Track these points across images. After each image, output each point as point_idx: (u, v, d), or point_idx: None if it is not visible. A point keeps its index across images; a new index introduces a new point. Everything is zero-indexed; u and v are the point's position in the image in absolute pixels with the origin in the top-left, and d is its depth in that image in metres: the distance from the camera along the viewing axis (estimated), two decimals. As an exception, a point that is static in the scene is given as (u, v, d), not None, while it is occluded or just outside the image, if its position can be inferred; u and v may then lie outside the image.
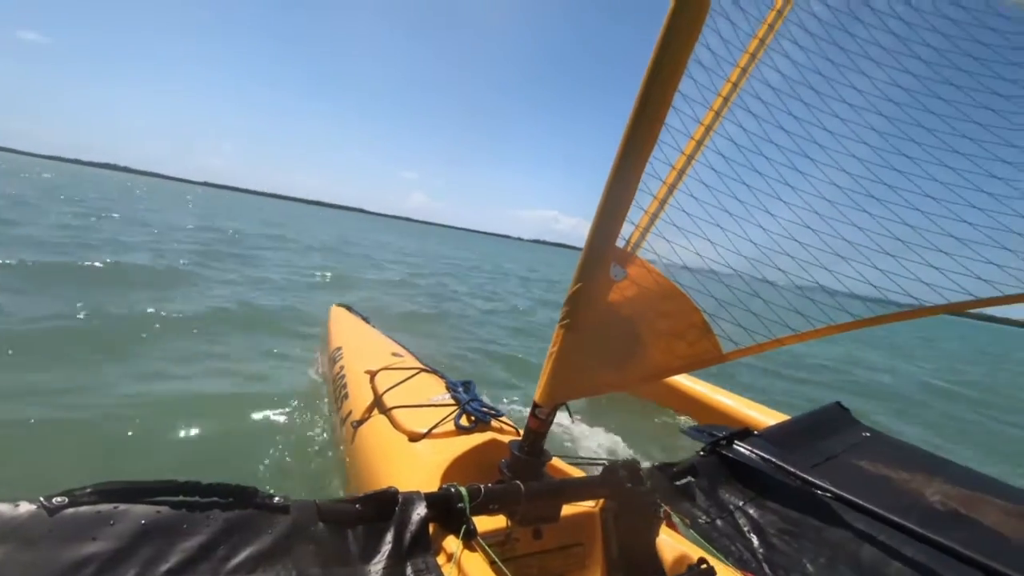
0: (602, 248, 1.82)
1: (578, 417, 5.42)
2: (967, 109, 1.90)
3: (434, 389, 3.29)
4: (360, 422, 3.05)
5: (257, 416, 4.67)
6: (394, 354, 4.30)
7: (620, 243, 1.87)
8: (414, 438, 2.62)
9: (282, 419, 4.65)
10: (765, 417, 4.67)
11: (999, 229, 1.79)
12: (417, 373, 3.53)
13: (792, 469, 2.35)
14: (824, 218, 1.92)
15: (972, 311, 1.83)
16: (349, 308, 6.45)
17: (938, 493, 2.30)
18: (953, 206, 1.89)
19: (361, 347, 4.59)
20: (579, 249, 1.94)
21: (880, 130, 1.95)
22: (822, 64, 1.96)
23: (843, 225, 1.90)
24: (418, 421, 2.76)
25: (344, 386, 3.73)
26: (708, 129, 1.92)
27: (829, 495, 2.20)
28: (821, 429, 2.92)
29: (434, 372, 3.67)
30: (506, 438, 2.57)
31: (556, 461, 2.34)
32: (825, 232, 1.91)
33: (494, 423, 2.77)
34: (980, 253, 1.79)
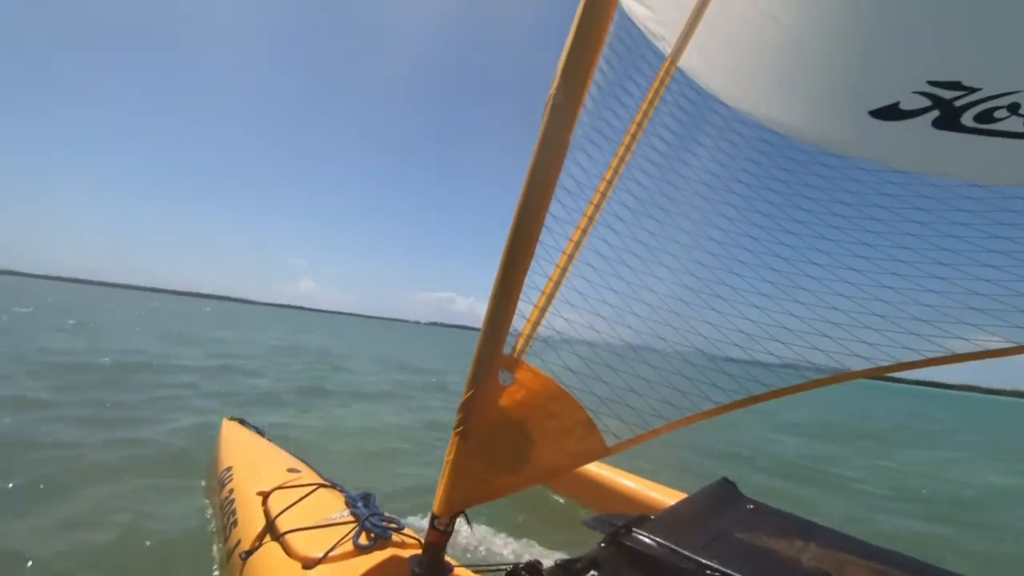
0: (490, 356, 1.94)
1: (481, 520, 5.29)
2: (781, 222, 2.30)
3: (333, 506, 3.11)
4: (249, 552, 2.79)
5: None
6: (291, 470, 4.02)
7: (507, 350, 2.00)
8: (308, 564, 2.45)
9: None
10: (665, 497, 4.84)
11: (818, 320, 2.13)
12: (315, 489, 3.33)
13: (685, 552, 2.47)
14: (682, 317, 2.18)
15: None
16: (242, 421, 5.97)
17: (812, 558, 2.51)
18: (783, 302, 2.24)
19: (254, 465, 4.24)
20: (477, 329, 2.05)
21: (718, 240, 2.29)
22: (666, 187, 2.30)
23: (697, 322, 2.17)
24: (314, 544, 2.59)
25: (233, 512, 3.41)
26: (577, 245, 2.16)
27: (718, 574, 2.33)
28: (711, 507, 3.11)
29: (334, 486, 3.48)
30: (408, 552, 2.48)
31: (459, 571, 2.29)
32: (684, 328, 2.17)
33: (395, 537, 2.66)
34: (809, 341, 2.11)
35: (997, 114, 2.14)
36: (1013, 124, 2.10)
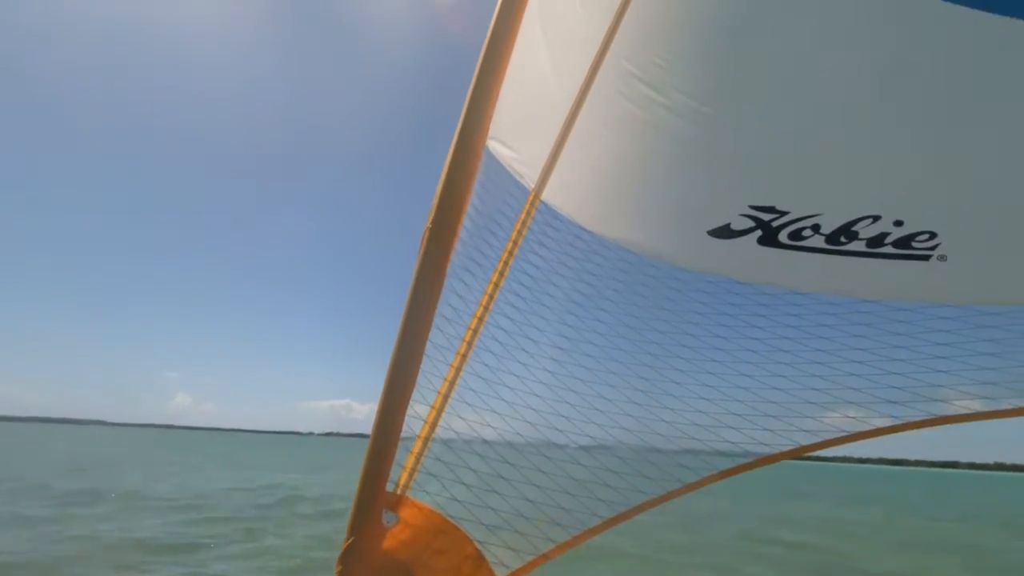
0: (371, 497, 1.88)
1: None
2: (645, 333, 2.52)
3: None
4: None
5: None
6: None
7: (390, 486, 1.96)
8: None
9: None
10: None
11: (687, 424, 2.29)
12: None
13: None
14: (563, 432, 2.26)
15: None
16: None
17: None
18: (654, 408, 2.40)
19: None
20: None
21: (591, 355, 2.45)
22: (538, 308, 2.47)
23: (577, 436, 2.25)
24: None
25: None
26: (458, 371, 2.22)
27: None
28: None
29: None
30: None
31: None
32: (566, 444, 2.24)
33: None
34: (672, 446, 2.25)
35: (804, 233, 2.56)
36: (817, 241, 2.51)
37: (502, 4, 2.87)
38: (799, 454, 2.13)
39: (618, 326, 2.51)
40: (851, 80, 2.70)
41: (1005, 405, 1.89)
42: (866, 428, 2.04)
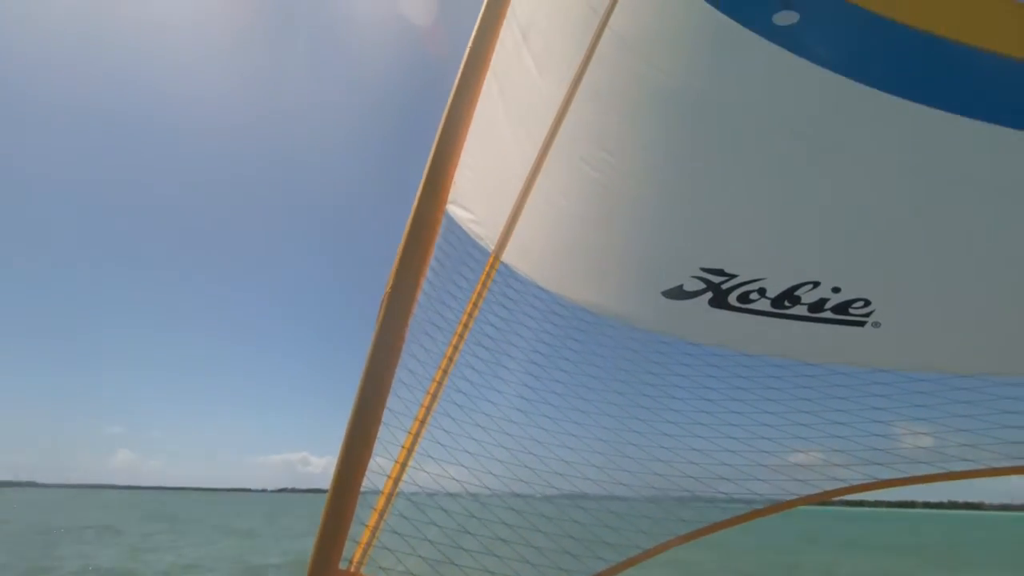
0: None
1: None
2: (603, 394, 2.56)
3: None
4: None
5: None
6: None
7: (343, 564, 1.90)
8: None
9: None
10: None
11: (643, 487, 2.32)
12: None
13: None
14: (523, 499, 2.25)
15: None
16: None
17: None
18: (617, 458, 2.42)
19: None
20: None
21: (550, 416, 2.47)
22: (498, 368, 2.49)
23: (538, 501, 2.25)
24: None
25: None
26: (416, 436, 2.20)
27: None
28: None
29: None
30: None
31: None
32: (526, 511, 2.23)
33: None
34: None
35: (752, 296, 2.68)
36: (763, 305, 2.64)
37: (464, 69, 2.98)
38: (752, 519, 2.18)
39: (577, 386, 2.55)
40: (790, 157, 2.91)
41: (935, 470, 2.00)
42: (813, 491, 2.11)
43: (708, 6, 3.67)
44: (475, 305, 2.58)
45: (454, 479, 2.16)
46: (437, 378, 2.35)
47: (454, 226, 2.68)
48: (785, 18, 3.53)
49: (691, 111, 3.18)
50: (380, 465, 2.06)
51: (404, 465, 2.15)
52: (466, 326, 2.51)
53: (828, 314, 2.52)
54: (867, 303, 2.47)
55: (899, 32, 3.28)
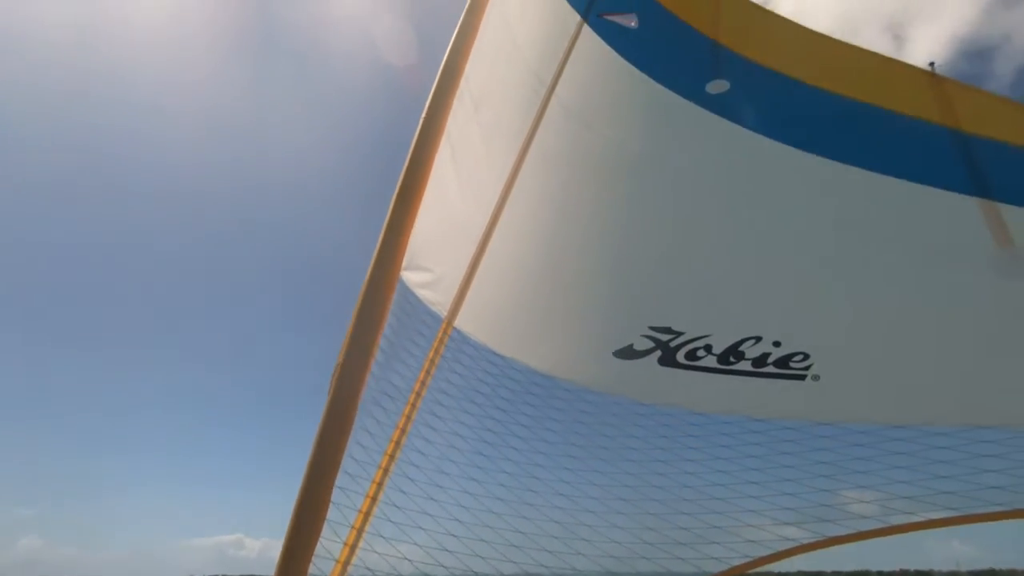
0: None
1: None
2: (558, 459, 2.55)
3: None
4: None
5: None
6: None
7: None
8: None
9: None
10: None
11: (602, 556, 2.29)
12: None
13: None
14: (485, 559, 2.19)
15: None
16: None
17: None
18: (574, 527, 2.38)
19: None
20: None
21: (506, 484, 2.44)
22: (453, 438, 2.46)
23: (499, 562, 2.19)
24: None
25: None
26: (367, 515, 2.14)
27: None
28: None
29: None
30: None
31: None
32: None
33: None
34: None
35: (699, 353, 2.76)
36: (710, 361, 2.71)
37: (419, 136, 3.07)
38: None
39: (533, 453, 2.54)
40: (726, 216, 3.07)
41: (874, 525, 2.05)
42: (765, 553, 2.12)
43: (646, 77, 3.93)
44: (428, 373, 2.57)
45: (407, 559, 2.09)
46: (389, 451, 2.31)
47: (408, 292, 2.70)
48: (717, 87, 3.80)
49: (632, 174, 3.33)
50: (328, 549, 1.99)
51: (354, 547, 2.07)
52: (419, 395, 2.49)
53: (771, 368, 2.61)
54: (806, 356, 2.57)
55: (820, 96, 3.57)
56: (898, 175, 2.85)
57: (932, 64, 3.08)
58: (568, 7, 4.40)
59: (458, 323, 2.76)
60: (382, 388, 2.41)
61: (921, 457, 2.17)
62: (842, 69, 3.44)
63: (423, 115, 3.17)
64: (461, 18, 3.62)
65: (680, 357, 2.76)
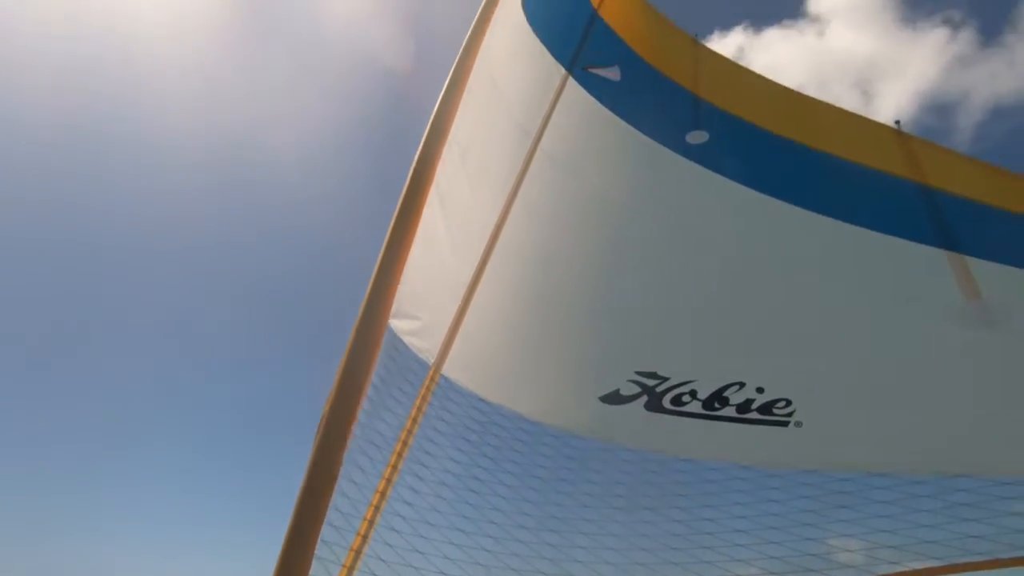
0: None
1: None
2: (546, 507, 2.54)
3: None
4: None
5: None
6: None
7: None
8: None
9: None
10: None
11: None
12: None
13: None
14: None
15: None
16: None
17: None
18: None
19: None
20: None
21: (493, 536, 2.42)
22: (439, 487, 2.45)
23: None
24: None
25: None
26: (351, 570, 2.11)
27: None
28: None
29: None
30: None
31: None
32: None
33: None
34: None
35: (684, 398, 2.79)
36: (695, 407, 2.74)
37: (409, 184, 3.15)
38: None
39: (520, 501, 2.53)
40: (707, 263, 3.16)
41: (865, 574, 2.06)
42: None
43: (630, 127, 4.09)
44: (415, 421, 2.57)
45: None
46: (375, 502, 2.29)
47: (396, 340, 2.72)
48: (697, 137, 3.96)
49: (617, 222, 3.43)
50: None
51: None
52: (405, 443, 2.49)
53: (755, 415, 2.64)
54: (788, 403, 2.61)
55: (795, 148, 3.73)
56: (871, 226, 2.97)
57: (898, 122, 3.26)
58: (553, 60, 4.61)
59: (445, 370, 2.78)
60: (368, 437, 2.41)
61: (903, 505, 2.19)
62: (814, 123, 3.62)
63: (412, 164, 3.26)
64: (450, 72, 3.76)
65: (666, 402, 2.79)
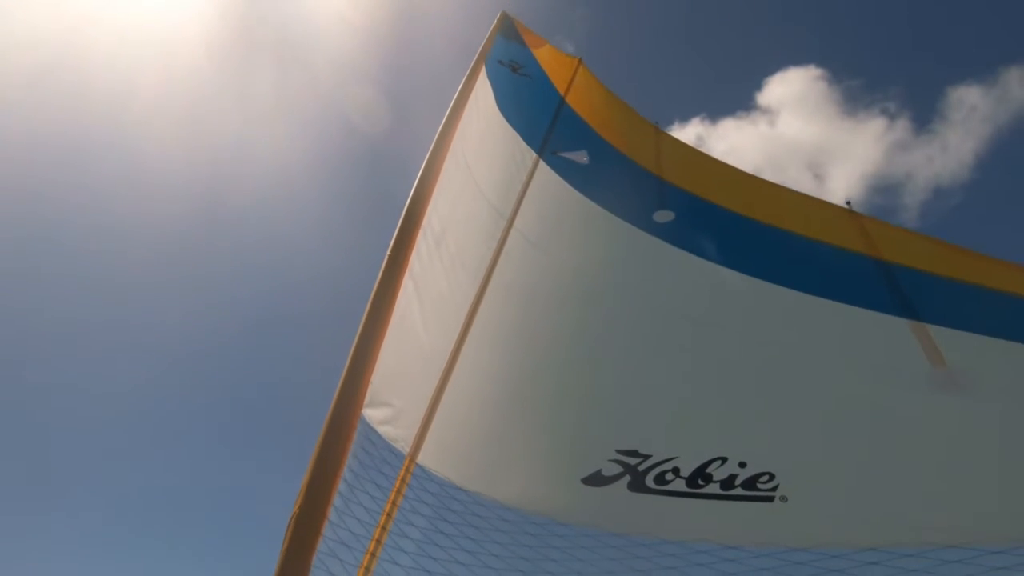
0: None
1: None
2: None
3: None
4: None
5: None
6: None
7: None
8: None
9: None
10: None
11: None
12: None
13: None
14: None
15: None
16: None
17: None
18: None
19: None
20: None
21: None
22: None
23: None
24: None
25: None
26: None
27: None
28: None
29: None
30: None
31: None
32: None
33: None
34: None
35: (667, 476, 2.73)
36: (679, 485, 2.68)
37: (384, 272, 3.20)
38: None
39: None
40: (678, 338, 3.20)
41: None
42: None
43: (599, 208, 4.26)
44: (389, 516, 2.48)
45: None
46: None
47: (369, 430, 2.67)
48: (663, 216, 4.13)
49: (591, 301, 3.50)
50: None
51: None
52: (379, 542, 2.38)
53: (739, 491, 2.58)
54: (772, 476, 2.56)
55: (756, 227, 3.90)
56: (835, 297, 3.06)
57: (848, 203, 3.46)
58: (524, 145, 4.86)
59: (421, 459, 2.71)
60: (340, 537, 2.31)
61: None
62: (773, 203, 3.82)
63: (387, 251, 3.33)
64: (425, 159, 3.92)
65: (649, 481, 2.72)
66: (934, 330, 2.69)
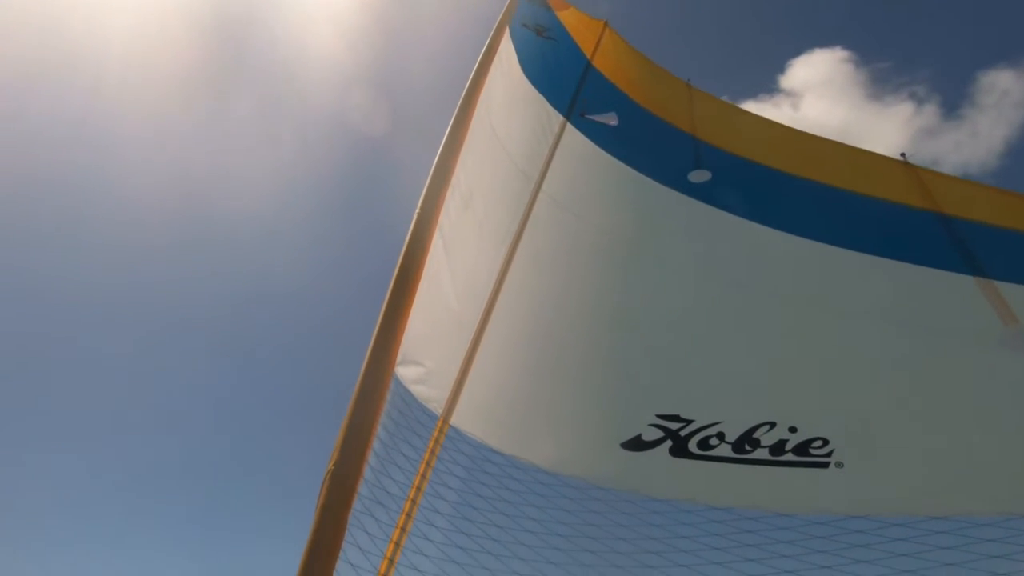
0: None
1: None
2: (569, 568, 2.31)
3: None
4: None
5: None
6: None
7: None
8: None
9: None
10: None
11: None
12: None
13: None
14: None
15: None
16: None
17: None
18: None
19: None
20: None
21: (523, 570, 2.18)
22: (451, 550, 2.23)
23: None
24: None
25: None
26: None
27: None
28: None
29: None
30: None
31: None
32: None
33: None
34: None
35: (712, 441, 2.60)
36: (724, 450, 2.55)
37: (414, 228, 3.07)
38: None
39: (541, 563, 2.30)
40: (721, 299, 3.04)
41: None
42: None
43: (631, 169, 4.08)
44: (424, 477, 2.38)
45: None
46: (382, 570, 2.07)
47: (402, 391, 2.56)
48: (699, 176, 3.94)
49: (625, 261, 3.35)
50: None
51: None
52: (414, 502, 2.29)
53: (790, 456, 2.45)
54: (825, 442, 2.43)
55: (802, 184, 3.70)
56: (891, 256, 2.88)
57: (903, 155, 3.24)
58: (551, 108, 4.67)
59: (454, 421, 2.61)
60: (375, 496, 2.22)
61: (968, 551, 1.98)
62: (817, 158, 3.61)
63: (417, 210, 3.19)
64: (451, 121, 3.77)
65: (692, 447, 2.60)
66: (1003, 287, 2.51)
